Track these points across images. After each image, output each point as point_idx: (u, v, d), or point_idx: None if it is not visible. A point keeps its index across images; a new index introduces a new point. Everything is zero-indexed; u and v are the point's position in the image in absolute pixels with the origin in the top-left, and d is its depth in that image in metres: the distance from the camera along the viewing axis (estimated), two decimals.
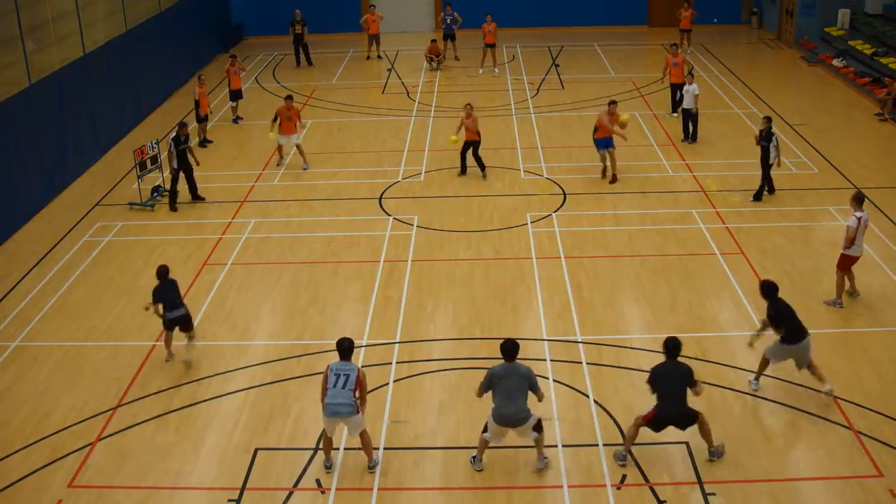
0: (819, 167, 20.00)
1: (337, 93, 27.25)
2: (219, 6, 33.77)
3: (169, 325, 12.95)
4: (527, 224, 17.36)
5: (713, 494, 10.17)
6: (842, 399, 11.72)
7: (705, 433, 10.57)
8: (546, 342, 13.32)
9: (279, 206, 18.76)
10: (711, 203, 18.08)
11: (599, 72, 29.09)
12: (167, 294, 12.82)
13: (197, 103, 22.32)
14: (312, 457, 11.00)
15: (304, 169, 20.68)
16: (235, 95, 24.47)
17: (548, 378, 12.39)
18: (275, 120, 20.53)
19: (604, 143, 19.24)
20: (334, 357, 13.08)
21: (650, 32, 34.74)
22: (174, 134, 18.47)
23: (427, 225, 17.52)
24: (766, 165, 17.86)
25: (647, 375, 10.69)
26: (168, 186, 18.77)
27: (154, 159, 19.50)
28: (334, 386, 10.33)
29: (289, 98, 20.78)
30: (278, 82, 28.87)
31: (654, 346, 13.07)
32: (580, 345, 13.18)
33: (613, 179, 19.36)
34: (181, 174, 18.56)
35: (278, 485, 10.57)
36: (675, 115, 23.50)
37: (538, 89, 27.09)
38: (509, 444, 11.09)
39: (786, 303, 11.67)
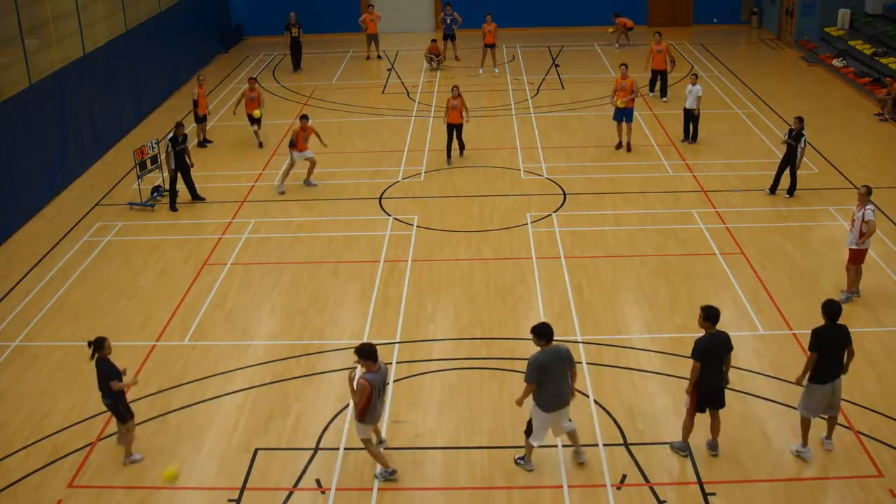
0: (819, 167, 20.00)
1: (337, 93, 27.25)
2: (219, 6, 33.76)
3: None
4: (527, 224, 17.36)
5: (713, 494, 10.17)
6: (842, 399, 11.69)
7: None
8: None
9: (279, 206, 18.76)
10: (711, 203, 18.09)
11: (599, 72, 29.08)
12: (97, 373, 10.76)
13: (195, 104, 22.31)
14: (312, 457, 10.99)
15: (310, 185, 19.66)
16: (252, 121, 22.30)
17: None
18: (293, 144, 19.31)
19: (621, 114, 20.91)
20: (334, 357, 13.18)
21: (650, 32, 34.70)
22: (171, 134, 18.47)
23: (427, 225, 17.52)
24: (791, 165, 17.89)
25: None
26: (168, 186, 18.77)
27: (154, 159, 19.50)
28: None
29: (304, 118, 19.49)
30: (278, 82, 28.86)
31: (654, 347, 13.09)
32: (580, 345, 13.17)
33: (629, 149, 21.13)
34: (179, 174, 18.55)
35: (278, 485, 10.57)
36: (652, 94, 25.52)
37: (538, 89, 27.09)
38: (509, 443, 11.10)
39: (835, 331, 10.45)
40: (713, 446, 10.83)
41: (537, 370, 10.07)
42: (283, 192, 19.30)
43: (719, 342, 10.43)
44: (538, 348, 10.14)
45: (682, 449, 10.82)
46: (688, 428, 10.75)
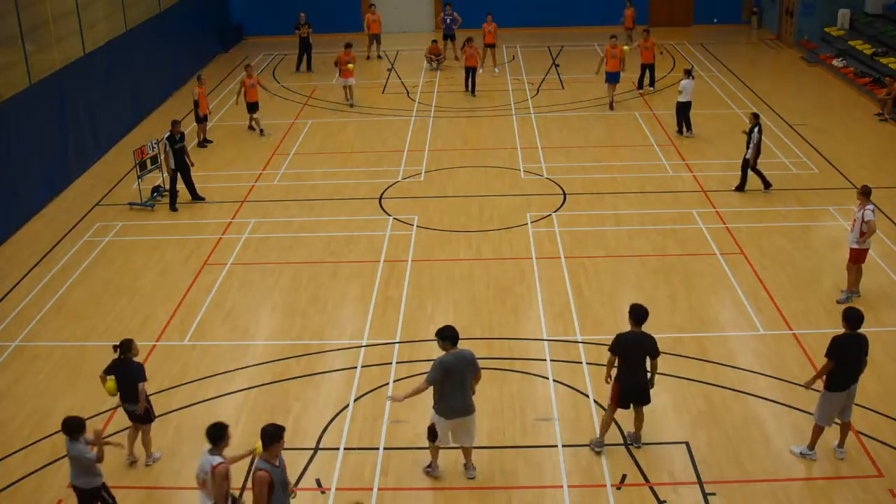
0: (819, 167, 20.01)
1: (337, 93, 27.21)
2: (219, 6, 33.76)
3: (128, 417, 11.01)
4: (527, 224, 17.36)
5: (713, 494, 10.17)
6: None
7: None
8: (546, 342, 13.32)
9: (279, 206, 18.76)
10: (711, 203, 18.09)
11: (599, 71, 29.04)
12: (120, 376, 10.62)
13: (196, 104, 22.31)
14: (312, 457, 11.00)
15: (351, 105, 25.57)
16: (252, 108, 23.32)
17: (548, 378, 12.40)
18: (336, 64, 25.53)
19: (611, 77, 24.42)
20: (334, 357, 13.19)
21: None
22: (168, 133, 18.45)
23: (427, 225, 17.52)
24: (752, 159, 18.27)
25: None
26: (168, 186, 18.77)
27: (154, 159, 19.51)
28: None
29: (348, 45, 25.46)
30: (278, 82, 28.85)
31: None
32: (580, 345, 13.18)
33: (611, 107, 24.56)
34: (178, 174, 18.54)
35: None
36: (641, 91, 26.37)
37: (538, 89, 27.09)
38: (508, 443, 11.09)
39: (856, 340, 10.38)
40: (635, 439, 10.91)
41: (442, 372, 9.91)
42: (352, 105, 25.64)
43: (641, 341, 10.44)
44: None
45: (598, 445, 10.82)
46: (606, 423, 10.80)
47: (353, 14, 34.62)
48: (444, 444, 10.37)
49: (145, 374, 10.73)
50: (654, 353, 10.52)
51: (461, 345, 13.18)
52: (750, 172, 18.44)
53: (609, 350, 10.52)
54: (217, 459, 8.71)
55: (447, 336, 10.01)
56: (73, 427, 9.31)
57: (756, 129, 18.04)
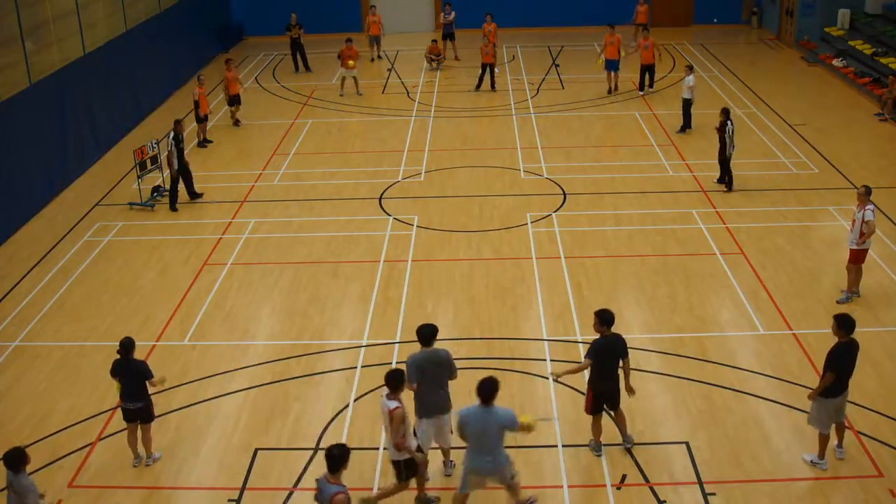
0: (819, 167, 20.00)
1: (337, 92, 27.23)
2: (219, 6, 33.74)
3: (126, 417, 10.88)
4: (527, 224, 17.36)
5: (713, 494, 10.17)
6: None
7: None
8: (546, 342, 13.32)
9: (279, 206, 18.76)
10: (711, 203, 18.09)
11: (599, 71, 29.03)
12: (125, 375, 10.68)
13: (196, 104, 22.32)
14: (312, 457, 11.00)
15: (359, 94, 26.74)
16: (234, 100, 24.01)
17: (548, 378, 12.40)
18: (339, 57, 26.59)
19: (610, 65, 25.73)
20: (334, 357, 13.19)
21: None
22: (172, 133, 18.44)
23: (427, 225, 17.52)
24: (723, 156, 18.51)
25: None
26: (168, 186, 18.78)
27: (154, 159, 19.51)
28: None
29: (349, 41, 26.52)
30: (278, 82, 28.85)
31: (654, 346, 13.08)
32: (580, 345, 13.18)
33: (615, 90, 25.94)
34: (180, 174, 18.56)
35: (278, 485, 10.57)
36: (642, 93, 26.00)
37: (538, 89, 27.10)
38: (509, 443, 11.07)
39: (850, 347, 10.32)
40: (626, 439, 10.90)
41: (416, 370, 9.91)
42: (342, 95, 26.67)
43: (614, 345, 10.41)
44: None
45: (596, 449, 10.85)
46: (595, 430, 10.78)
47: (353, 14, 34.56)
48: (425, 448, 10.23)
49: (151, 370, 10.76)
50: (625, 353, 10.47)
51: (462, 345, 13.33)
52: (733, 167, 18.65)
53: (586, 356, 10.45)
54: (394, 404, 9.38)
55: (420, 335, 10.09)
56: (15, 459, 8.77)
57: (729, 124, 18.12)
